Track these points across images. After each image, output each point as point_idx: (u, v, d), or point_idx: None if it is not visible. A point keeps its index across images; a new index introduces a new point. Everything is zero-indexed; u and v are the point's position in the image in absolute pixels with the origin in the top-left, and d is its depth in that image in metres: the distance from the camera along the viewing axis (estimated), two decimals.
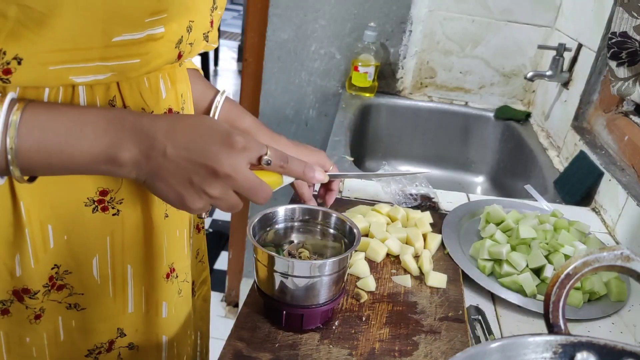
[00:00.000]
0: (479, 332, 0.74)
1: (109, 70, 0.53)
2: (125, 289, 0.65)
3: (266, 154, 0.56)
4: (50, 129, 0.50)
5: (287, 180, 0.62)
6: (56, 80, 0.51)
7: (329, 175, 0.65)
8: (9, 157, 0.49)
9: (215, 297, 2.28)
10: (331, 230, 0.75)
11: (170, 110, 0.63)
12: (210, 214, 2.91)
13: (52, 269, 0.60)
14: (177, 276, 0.70)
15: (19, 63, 0.49)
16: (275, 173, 0.61)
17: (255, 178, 0.55)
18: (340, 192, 1.07)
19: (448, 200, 1.09)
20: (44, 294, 0.60)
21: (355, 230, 0.72)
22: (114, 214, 0.60)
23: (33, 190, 0.55)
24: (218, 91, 0.79)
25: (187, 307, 0.75)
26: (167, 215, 0.65)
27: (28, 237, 0.56)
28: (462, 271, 0.86)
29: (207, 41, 0.65)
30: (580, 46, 1.41)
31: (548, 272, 0.83)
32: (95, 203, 0.59)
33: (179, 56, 0.59)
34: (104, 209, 0.60)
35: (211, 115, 0.76)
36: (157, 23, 0.53)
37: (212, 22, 0.65)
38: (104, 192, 0.59)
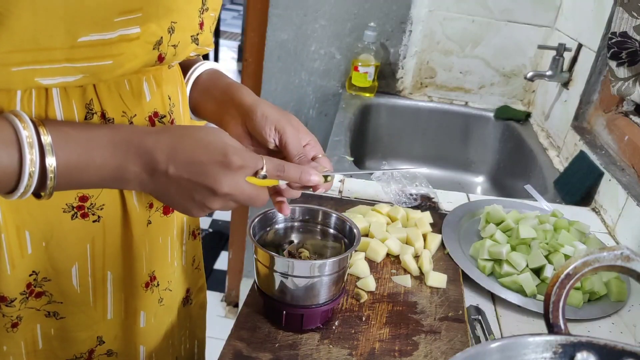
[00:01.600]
0: (479, 332, 0.74)
1: (78, 72, 0.51)
2: (105, 295, 0.64)
3: (262, 169, 0.57)
4: (62, 155, 0.50)
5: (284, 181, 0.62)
6: (22, 82, 0.50)
7: (323, 175, 0.64)
8: (50, 178, 0.50)
9: (215, 297, 2.28)
10: (331, 230, 0.75)
11: (156, 113, 0.61)
12: (210, 214, 2.91)
13: (30, 275, 0.58)
14: (158, 284, 0.69)
15: None
16: None
17: (252, 190, 0.56)
18: (340, 192, 1.07)
19: (448, 200, 1.09)
20: (21, 301, 0.59)
21: (355, 230, 0.72)
22: (94, 221, 0.59)
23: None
24: (199, 62, 0.75)
25: (168, 317, 0.74)
26: (150, 222, 0.64)
27: (4, 243, 0.55)
28: (462, 271, 0.86)
29: (197, 44, 0.63)
30: (580, 46, 1.41)
31: (548, 272, 0.83)
32: (75, 209, 0.58)
33: (160, 58, 0.57)
34: (84, 216, 0.59)
35: (186, 79, 0.72)
36: (130, 23, 0.51)
37: (201, 24, 0.62)
38: (83, 198, 0.58)
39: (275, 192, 0.65)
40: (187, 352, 0.83)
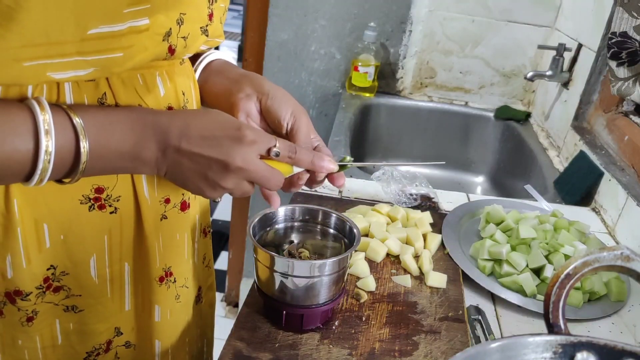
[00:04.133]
0: (479, 332, 0.74)
1: (89, 65, 0.51)
2: (122, 287, 0.65)
3: (275, 146, 0.58)
4: (90, 135, 0.51)
5: (297, 169, 0.62)
6: (34, 77, 0.50)
7: (339, 164, 0.64)
8: (83, 159, 0.51)
9: (215, 297, 2.27)
10: (331, 230, 0.75)
11: (170, 108, 0.61)
12: (210, 214, 2.90)
13: (48, 269, 0.59)
14: (175, 280, 0.69)
15: None
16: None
17: (266, 167, 0.57)
18: (340, 192, 1.07)
19: (448, 200, 1.09)
20: (37, 295, 0.59)
21: (355, 230, 0.72)
22: (111, 212, 0.60)
23: (27, 188, 0.54)
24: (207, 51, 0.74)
25: (185, 314, 0.74)
26: (166, 217, 0.65)
27: (20, 237, 0.55)
28: (462, 271, 0.86)
29: (207, 35, 0.63)
30: (580, 46, 1.41)
31: (548, 272, 0.83)
32: (92, 201, 0.58)
33: (171, 50, 0.57)
34: (101, 207, 0.59)
35: (198, 62, 0.72)
36: (139, 14, 0.51)
37: (211, 15, 0.62)
38: (99, 190, 0.58)
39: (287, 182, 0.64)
40: (198, 351, 0.83)
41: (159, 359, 0.71)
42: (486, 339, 0.72)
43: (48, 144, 0.49)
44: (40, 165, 0.49)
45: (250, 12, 1.78)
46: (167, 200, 0.64)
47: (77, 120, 0.50)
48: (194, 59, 0.72)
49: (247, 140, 0.55)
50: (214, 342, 0.90)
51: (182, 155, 0.55)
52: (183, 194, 0.67)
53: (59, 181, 0.53)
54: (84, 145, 0.50)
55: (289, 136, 0.65)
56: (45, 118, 0.49)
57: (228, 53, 5.73)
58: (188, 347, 0.77)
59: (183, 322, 0.74)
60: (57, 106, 0.51)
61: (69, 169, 0.52)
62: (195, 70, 0.71)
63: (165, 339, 0.71)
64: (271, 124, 0.67)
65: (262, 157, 0.57)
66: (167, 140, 0.54)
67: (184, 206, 0.67)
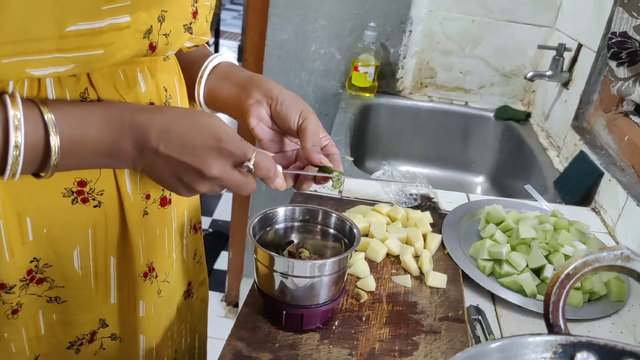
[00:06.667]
0: (479, 332, 0.74)
1: (69, 62, 0.51)
2: (108, 280, 0.65)
3: (249, 160, 0.58)
4: (63, 131, 0.52)
5: None
6: (13, 74, 0.50)
7: (325, 166, 0.66)
8: (53, 155, 0.51)
9: (215, 297, 2.28)
10: (331, 230, 0.75)
11: (152, 104, 0.61)
12: (210, 214, 2.91)
13: (31, 262, 0.59)
14: (156, 276, 0.69)
15: None
16: None
17: (240, 177, 0.58)
18: (340, 192, 1.07)
19: (448, 200, 1.09)
20: (21, 288, 0.59)
21: (355, 230, 0.72)
22: (95, 206, 0.60)
23: (9, 182, 0.54)
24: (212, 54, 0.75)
25: (167, 309, 0.74)
26: (147, 213, 0.65)
27: (2, 230, 0.55)
28: (462, 271, 0.86)
29: (191, 33, 0.63)
30: (580, 46, 1.41)
31: (548, 272, 0.83)
32: (74, 194, 0.58)
33: (152, 47, 0.57)
34: (84, 200, 0.59)
35: (203, 66, 0.72)
36: (119, 11, 0.52)
37: (195, 13, 0.62)
38: (82, 183, 0.58)
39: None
40: (187, 346, 0.83)
41: (144, 353, 0.71)
42: (486, 339, 0.72)
43: (17, 139, 0.49)
44: (10, 160, 0.49)
45: (250, 12, 1.78)
46: (148, 196, 0.65)
47: (48, 116, 0.50)
48: (200, 63, 0.72)
49: (224, 152, 0.56)
50: (207, 338, 0.90)
51: (159, 157, 0.55)
52: (163, 190, 0.67)
53: (37, 175, 0.54)
54: (55, 141, 0.51)
55: (298, 135, 0.67)
56: (16, 114, 0.49)
57: (228, 53, 5.73)
58: (170, 341, 0.77)
59: (166, 317, 0.74)
60: (31, 101, 0.51)
61: (40, 164, 0.52)
62: (201, 77, 0.72)
63: (150, 334, 0.71)
64: (282, 127, 0.69)
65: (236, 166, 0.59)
66: (145, 142, 0.55)
67: (164, 202, 0.67)
